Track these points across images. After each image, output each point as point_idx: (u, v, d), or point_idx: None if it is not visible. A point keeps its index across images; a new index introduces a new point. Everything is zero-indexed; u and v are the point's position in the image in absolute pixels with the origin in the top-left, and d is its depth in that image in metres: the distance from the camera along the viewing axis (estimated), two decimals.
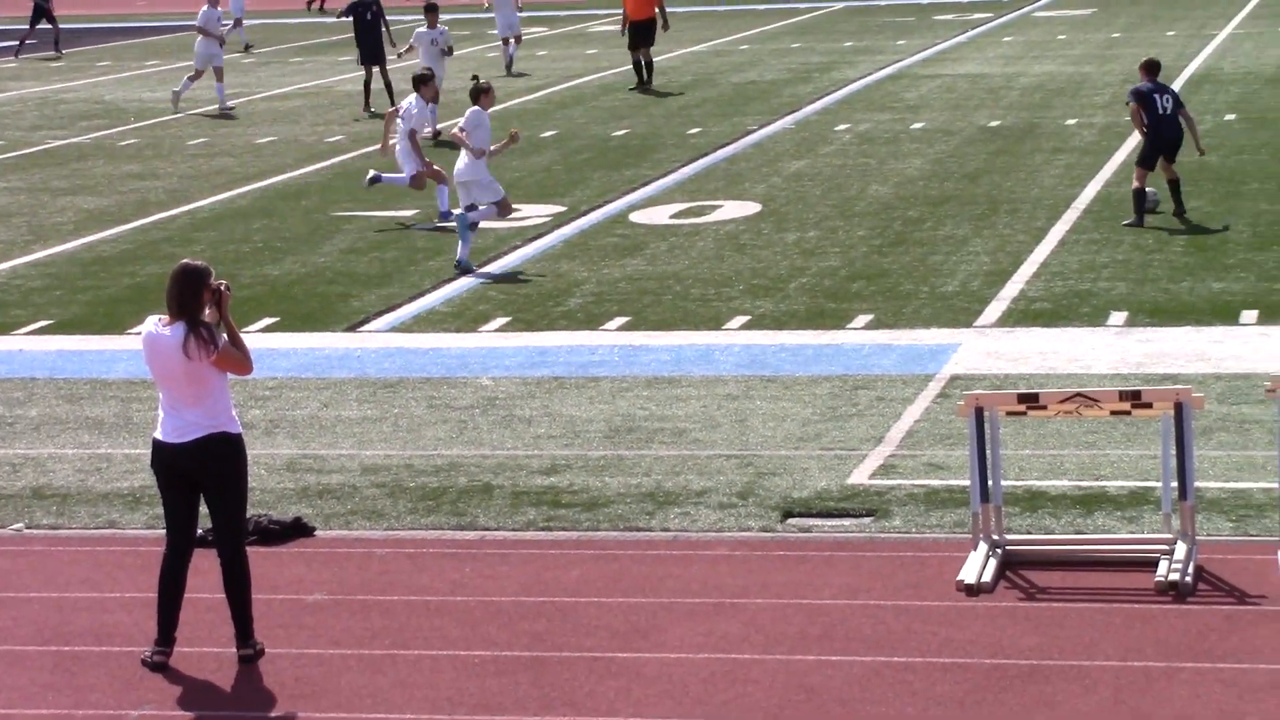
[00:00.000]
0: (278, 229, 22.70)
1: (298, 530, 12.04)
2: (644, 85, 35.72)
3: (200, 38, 35.32)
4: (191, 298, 9.77)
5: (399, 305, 18.40)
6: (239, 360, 9.89)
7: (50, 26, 47.84)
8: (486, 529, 12.02)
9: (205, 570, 10.27)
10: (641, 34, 36.50)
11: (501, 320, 17.58)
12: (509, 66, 39.20)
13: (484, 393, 15.16)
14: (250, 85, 39.84)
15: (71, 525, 12.38)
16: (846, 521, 11.87)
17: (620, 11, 37.34)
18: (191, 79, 35.16)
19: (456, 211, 20.39)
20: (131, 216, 23.88)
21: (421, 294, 18.85)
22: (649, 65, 36.00)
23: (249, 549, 10.11)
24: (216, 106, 34.75)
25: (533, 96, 35.58)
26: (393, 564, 11.47)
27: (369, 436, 14.11)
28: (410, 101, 22.36)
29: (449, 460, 13.40)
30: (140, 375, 15.36)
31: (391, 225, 22.47)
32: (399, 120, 22.39)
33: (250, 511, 10.95)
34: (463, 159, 20.10)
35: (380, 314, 18.09)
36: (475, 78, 21.53)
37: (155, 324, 9.86)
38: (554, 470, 13.08)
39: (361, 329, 17.61)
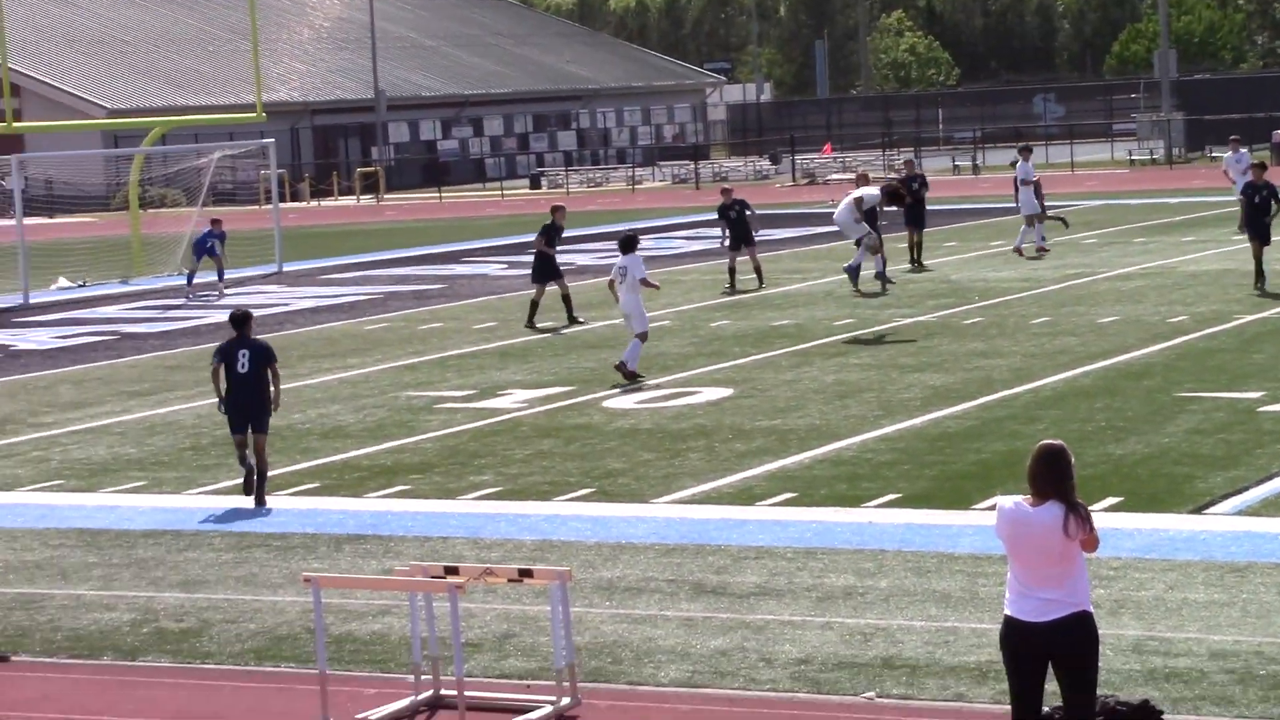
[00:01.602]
0: (1120, 409, 22.65)
1: (1145, 714, 11.88)
2: None
3: (1022, 189, 40.75)
4: (1067, 477, 9.90)
5: (1246, 488, 18.03)
6: (1097, 541, 9.97)
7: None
8: None
9: None
10: None
11: None
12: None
13: None
14: (1093, 265, 40.09)
15: (920, 697, 12.63)
16: None
17: None
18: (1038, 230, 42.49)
19: None
20: (976, 394, 24.30)
21: (1270, 477, 18.42)
22: None
23: None
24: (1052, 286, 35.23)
25: None
26: None
27: (1216, 621, 13.85)
28: None
29: None
30: (986, 550, 15.63)
31: (1237, 407, 22.08)
32: None
33: (1097, 691, 10.92)
34: None
35: (1226, 496, 17.77)
36: None
37: (1017, 502, 9.99)
38: None
39: (1207, 511, 17.35)
